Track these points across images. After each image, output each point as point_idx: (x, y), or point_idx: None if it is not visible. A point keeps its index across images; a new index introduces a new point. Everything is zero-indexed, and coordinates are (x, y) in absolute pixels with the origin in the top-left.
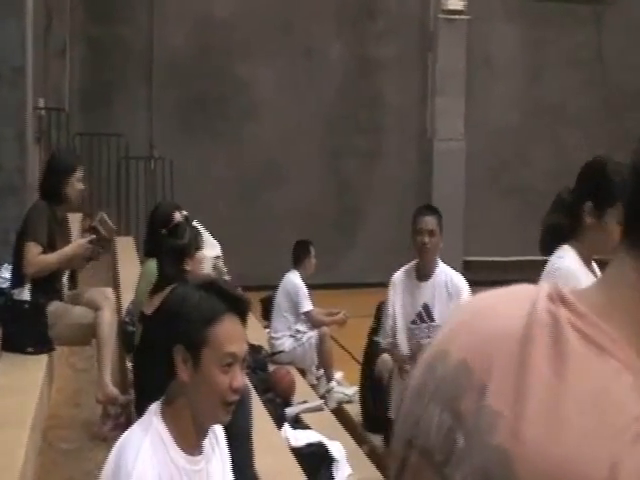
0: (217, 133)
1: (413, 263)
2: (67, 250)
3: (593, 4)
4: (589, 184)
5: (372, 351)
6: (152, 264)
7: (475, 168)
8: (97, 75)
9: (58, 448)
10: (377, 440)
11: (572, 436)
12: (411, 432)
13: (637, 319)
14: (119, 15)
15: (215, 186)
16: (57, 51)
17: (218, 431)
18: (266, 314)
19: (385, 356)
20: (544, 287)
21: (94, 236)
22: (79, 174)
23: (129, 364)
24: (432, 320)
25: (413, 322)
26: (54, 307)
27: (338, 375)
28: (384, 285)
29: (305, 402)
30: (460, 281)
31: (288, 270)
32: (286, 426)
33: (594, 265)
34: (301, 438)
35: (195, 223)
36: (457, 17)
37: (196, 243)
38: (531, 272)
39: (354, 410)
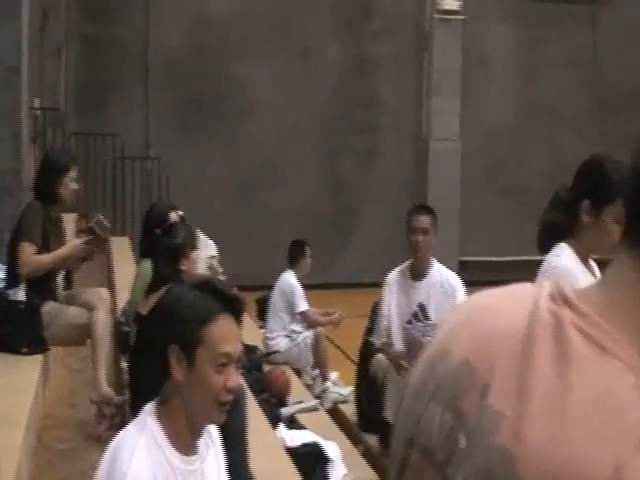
0: (213, 133)
1: (407, 263)
2: (62, 251)
3: (588, 4)
4: (587, 182)
5: (367, 351)
6: (147, 264)
7: (471, 168)
8: (93, 75)
9: (53, 448)
10: (372, 440)
11: (575, 436)
12: (412, 431)
13: (638, 319)
14: (115, 15)
15: (211, 186)
16: (53, 51)
17: (213, 431)
18: (261, 314)
19: (380, 356)
20: (545, 286)
21: (89, 237)
22: (73, 174)
23: (124, 364)
24: (428, 319)
25: (408, 322)
26: (49, 307)
27: (333, 375)
28: (380, 285)
29: (300, 402)
30: (455, 280)
31: (284, 270)
32: (281, 426)
33: (592, 263)
34: (296, 438)
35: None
36: (453, 17)
37: (191, 243)
38: (527, 272)
39: (349, 410)
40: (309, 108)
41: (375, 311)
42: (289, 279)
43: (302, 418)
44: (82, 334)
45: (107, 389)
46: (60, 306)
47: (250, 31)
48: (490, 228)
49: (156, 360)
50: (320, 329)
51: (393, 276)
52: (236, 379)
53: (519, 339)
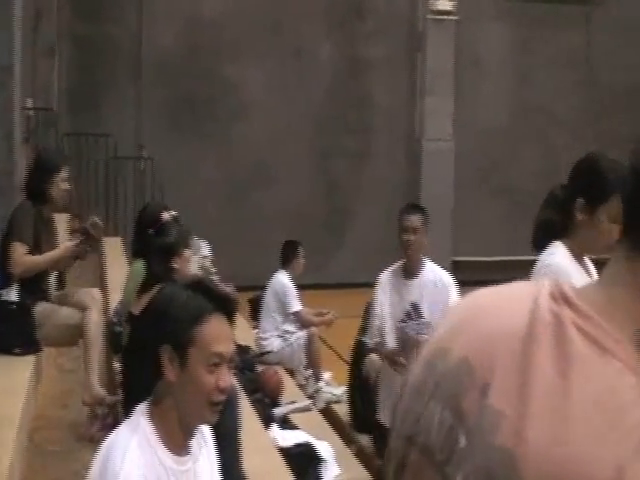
0: (206, 134)
1: (400, 263)
2: (54, 253)
3: (582, 4)
4: (582, 181)
5: (360, 351)
6: (140, 264)
7: (464, 168)
8: (85, 75)
9: (45, 449)
10: (365, 440)
11: (577, 436)
12: (411, 430)
13: (638, 319)
14: (108, 14)
15: (204, 187)
16: (45, 50)
17: (206, 431)
18: (254, 314)
19: (373, 356)
20: (545, 284)
21: (82, 238)
22: (64, 174)
23: (116, 365)
24: (421, 318)
25: (402, 321)
26: (42, 308)
27: (326, 375)
28: (373, 285)
29: (293, 402)
30: (448, 279)
31: (277, 270)
32: (274, 426)
33: (587, 262)
34: (289, 438)
35: None
36: (446, 17)
37: (184, 241)
38: (520, 272)
39: (342, 410)
40: (302, 109)
41: (368, 311)
42: (282, 279)
43: (295, 418)
44: (74, 334)
45: (99, 390)
46: (53, 306)
47: (243, 32)
48: (484, 228)
49: (148, 360)
50: (313, 329)
51: (386, 276)
52: (228, 379)
53: (519, 338)
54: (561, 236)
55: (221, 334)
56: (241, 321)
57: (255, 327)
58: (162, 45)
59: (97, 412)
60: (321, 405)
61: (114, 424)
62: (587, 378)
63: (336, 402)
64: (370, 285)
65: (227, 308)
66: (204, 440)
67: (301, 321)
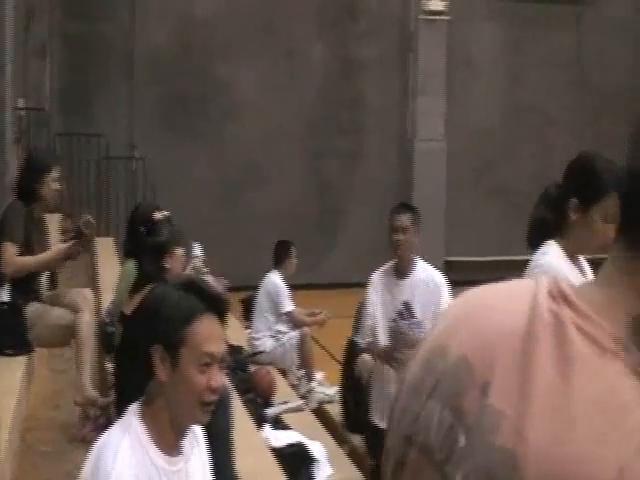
0: (198, 134)
1: (391, 263)
2: (46, 255)
3: (574, 4)
4: (577, 180)
5: (353, 351)
6: (132, 264)
7: (456, 168)
8: (77, 74)
9: (37, 450)
10: (357, 440)
11: (578, 436)
12: (410, 429)
13: (637, 319)
14: (100, 13)
15: (196, 187)
16: (37, 50)
17: (198, 431)
18: (247, 314)
19: (365, 356)
20: (543, 282)
21: (75, 241)
22: (55, 174)
23: (109, 365)
24: (413, 317)
25: (394, 320)
26: (33, 308)
27: (319, 375)
28: (365, 285)
29: (286, 402)
30: (440, 278)
31: (269, 270)
32: (267, 426)
33: (582, 261)
34: (282, 438)
35: None
36: (438, 18)
37: (175, 240)
38: (514, 272)
39: (335, 410)
40: (294, 109)
41: (360, 311)
42: (274, 279)
43: (287, 418)
44: (66, 335)
45: (91, 391)
46: (45, 307)
47: (235, 32)
48: (476, 228)
49: (140, 360)
50: (305, 329)
51: (377, 275)
52: (220, 379)
53: (519, 336)
54: (555, 235)
55: (212, 334)
56: (233, 321)
57: (247, 327)
58: (154, 44)
59: (89, 413)
60: (313, 405)
61: (106, 425)
62: (587, 378)
63: (328, 402)
64: (362, 285)
65: (219, 308)
66: (196, 440)
67: (293, 321)
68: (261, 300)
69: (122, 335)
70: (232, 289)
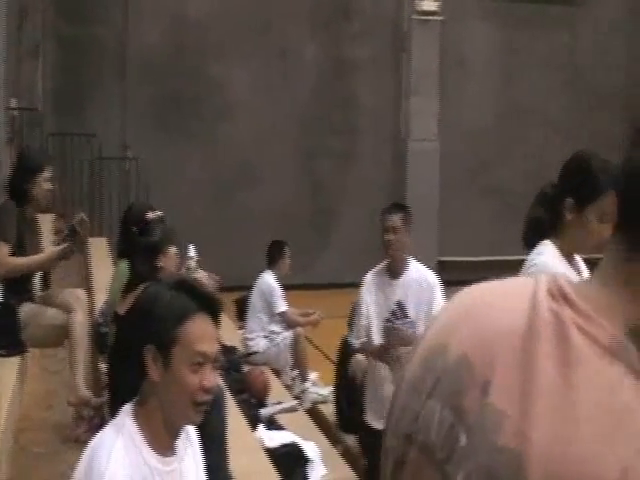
0: (191, 134)
1: (384, 263)
2: (39, 257)
3: (567, 5)
4: (573, 180)
5: (347, 351)
6: (125, 265)
7: (449, 168)
8: (70, 74)
9: (30, 451)
10: (351, 440)
11: (581, 436)
12: (409, 428)
13: (634, 318)
14: (92, 14)
15: (189, 187)
16: (30, 50)
17: (191, 431)
18: (240, 314)
19: (359, 356)
20: (542, 280)
21: (69, 240)
22: (47, 174)
23: (102, 365)
24: (406, 317)
25: (387, 320)
26: (27, 308)
27: (313, 375)
28: (358, 285)
29: (280, 403)
30: (433, 278)
31: (263, 270)
32: (261, 427)
33: (578, 261)
34: (276, 438)
35: None
36: (431, 18)
37: (168, 240)
38: (507, 272)
39: (328, 410)
40: (287, 109)
41: (354, 311)
42: (268, 279)
43: (281, 418)
44: (60, 335)
45: (85, 391)
46: (38, 307)
47: (228, 32)
48: (469, 228)
49: (133, 360)
50: (299, 329)
51: (371, 276)
52: (213, 379)
53: (519, 335)
54: (550, 235)
55: (205, 334)
56: (227, 321)
57: (241, 327)
58: (147, 44)
59: (83, 414)
60: (307, 405)
61: (100, 425)
62: (589, 379)
63: (322, 402)
64: (356, 285)
65: (211, 307)
66: (189, 440)
67: (287, 321)
68: (255, 300)
69: (115, 335)
70: (225, 289)
